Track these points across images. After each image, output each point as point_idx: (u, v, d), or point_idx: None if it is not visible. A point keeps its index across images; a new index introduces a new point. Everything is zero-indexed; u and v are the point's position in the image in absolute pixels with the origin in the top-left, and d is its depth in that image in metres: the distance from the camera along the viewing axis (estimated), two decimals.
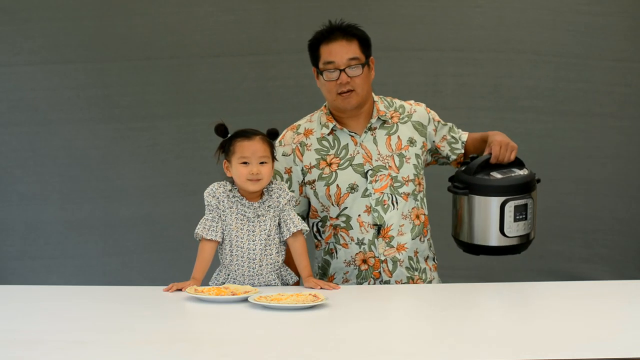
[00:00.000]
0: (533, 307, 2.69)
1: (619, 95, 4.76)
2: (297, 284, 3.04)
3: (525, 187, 3.02)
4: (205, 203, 2.98)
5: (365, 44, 3.13)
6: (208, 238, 2.94)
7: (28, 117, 4.72)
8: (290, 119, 4.64)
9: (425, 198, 3.22)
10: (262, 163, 2.94)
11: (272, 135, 2.99)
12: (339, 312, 2.59)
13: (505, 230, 3.01)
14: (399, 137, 3.18)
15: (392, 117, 3.20)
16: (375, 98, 3.22)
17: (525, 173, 3.06)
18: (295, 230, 2.96)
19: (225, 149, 2.98)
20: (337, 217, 3.15)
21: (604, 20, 4.71)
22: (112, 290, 3.05)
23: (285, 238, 2.98)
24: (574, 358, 2.10)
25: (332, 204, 3.16)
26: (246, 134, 2.97)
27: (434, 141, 3.25)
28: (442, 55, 4.72)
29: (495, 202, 2.99)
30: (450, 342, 2.27)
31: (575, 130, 4.76)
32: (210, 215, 2.97)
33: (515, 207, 3.00)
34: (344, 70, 3.08)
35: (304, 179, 3.19)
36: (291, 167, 3.21)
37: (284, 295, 2.67)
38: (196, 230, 2.96)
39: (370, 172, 3.13)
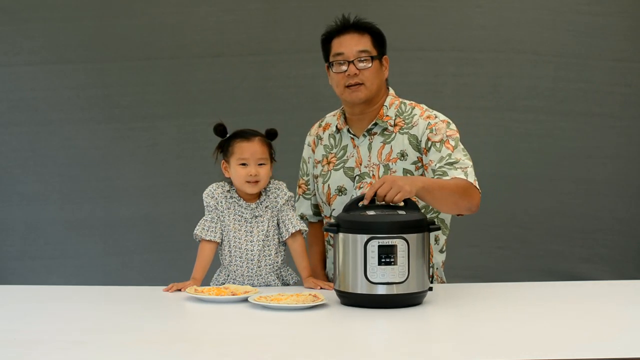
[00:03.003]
0: (533, 307, 2.68)
1: (619, 95, 4.76)
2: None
3: (396, 227, 2.57)
4: (204, 204, 2.98)
5: (379, 40, 3.07)
6: (207, 239, 2.95)
7: (28, 117, 4.73)
8: (290, 119, 4.67)
9: None
10: (260, 164, 2.94)
11: (270, 136, 2.99)
12: (339, 312, 2.59)
13: (369, 274, 2.57)
14: (391, 147, 3.06)
15: (395, 125, 3.08)
16: (393, 100, 3.12)
17: (408, 215, 2.62)
18: (293, 231, 2.96)
19: (224, 149, 2.98)
20: (330, 217, 3.15)
21: (604, 20, 4.71)
22: (112, 290, 3.05)
23: (284, 239, 2.99)
24: (574, 358, 2.10)
25: (324, 203, 3.16)
26: (245, 134, 2.96)
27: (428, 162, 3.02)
28: (442, 55, 4.72)
29: (359, 240, 2.58)
30: (451, 342, 2.28)
31: (575, 130, 4.76)
32: (210, 216, 2.97)
33: (380, 247, 2.56)
34: (352, 62, 3.02)
35: (313, 172, 3.21)
36: (308, 158, 3.25)
37: (284, 295, 2.67)
38: (195, 232, 2.96)
39: (357, 177, 3.09)
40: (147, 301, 2.81)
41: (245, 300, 2.68)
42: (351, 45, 3.03)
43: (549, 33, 4.74)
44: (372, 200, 2.77)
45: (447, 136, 3.01)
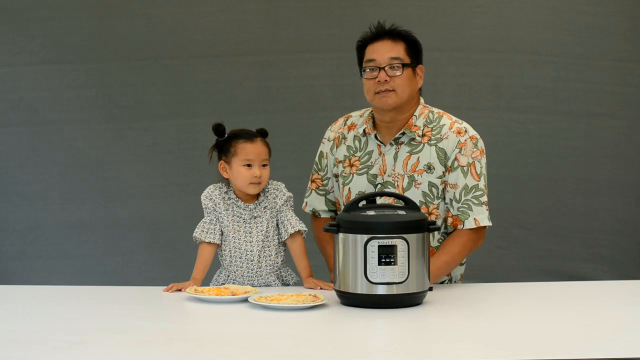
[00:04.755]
0: (533, 307, 2.69)
1: (619, 95, 4.75)
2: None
3: (396, 227, 2.59)
4: (203, 206, 2.98)
5: (413, 49, 3.05)
6: (206, 241, 2.95)
7: (28, 117, 4.72)
8: (290, 119, 4.68)
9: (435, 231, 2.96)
10: (263, 165, 2.94)
11: (264, 135, 2.99)
12: (339, 312, 2.60)
13: (369, 274, 2.58)
14: (418, 158, 3.04)
15: (424, 135, 3.05)
16: (422, 110, 3.09)
17: (408, 215, 2.65)
18: (292, 232, 2.97)
19: (223, 150, 2.98)
20: None
21: (604, 20, 4.71)
22: (112, 290, 3.05)
23: (283, 239, 2.99)
24: (574, 358, 2.10)
25: (344, 204, 3.15)
26: (248, 135, 2.97)
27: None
28: (442, 55, 4.71)
29: (359, 240, 2.59)
30: (451, 342, 2.28)
31: (575, 130, 4.76)
32: (208, 218, 2.97)
33: (380, 247, 2.57)
34: (384, 68, 3.00)
35: (333, 170, 3.19)
36: (328, 153, 3.21)
37: (284, 295, 2.67)
38: (194, 234, 2.96)
39: (379, 185, 3.07)
40: (147, 301, 2.82)
41: (245, 300, 2.68)
42: (384, 52, 3.02)
43: (549, 33, 4.73)
44: (373, 200, 2.78)
45: (472, 158, 3.03)
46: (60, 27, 4.69)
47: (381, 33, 3.06)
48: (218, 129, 2.97)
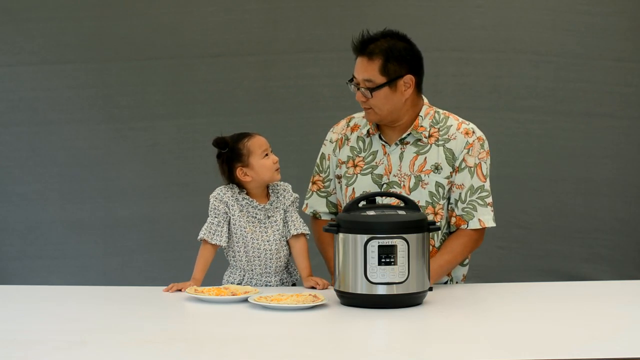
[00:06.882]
0: (533, 307, 2.69)
1: (619, 95, 4.75)
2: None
3: (396, 227, 2.59)
4: (211, 207, 2.97)
5: (396, 61, 2.96)
6: (213, 243, 2.95)
7: (28, 117, 4.72)
8: (290, 119, 4.68)
9: (440, 231, 3.02)
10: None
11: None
12: (339, 312, 2.60)
13: (369, 274, 2.58)
14: (425, 158, 3.03)
15: (430, 136, 3.04)
16: (428, 110, 3.08)
17: (408, 215, 2.65)
18: (296, 233, 2.99)
19: (235, 157, 2.97)
20: None
21: (604, 20, 4.71)
22: (112, 290, 3.05)
23: (286, 238, 3.01)
24: (574, 358, 2.10)
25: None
26: (247, 133, 3.01)
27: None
28: (442, 55, 4.71)
29: (359, 240, 2.60)
30: (451, 342, 2.28)
31: (575, 130, 4.76)
32: (216, 219, 2.96)
33: (380, 247, 2.57)
34: (359, 88, 2.99)
35: (335, 171, 3.19)
36: (330, 155, 3.20)
37: (284, 295, 2.67)
38: (201, 235, 2.95)
39: (385, 185, 3.06)
40: (147, 301, 2.82)
41: (245, 300, 2.68)
42: (359, 71, 2.99)
43: (549, 33, 4.74)
44: (373, 200, 2.78)
45: (479, 159, 3.05)
46: (60, 27, 4.69)
47: (359, 49, 3.00)
48: (220, 143, 2.98)
